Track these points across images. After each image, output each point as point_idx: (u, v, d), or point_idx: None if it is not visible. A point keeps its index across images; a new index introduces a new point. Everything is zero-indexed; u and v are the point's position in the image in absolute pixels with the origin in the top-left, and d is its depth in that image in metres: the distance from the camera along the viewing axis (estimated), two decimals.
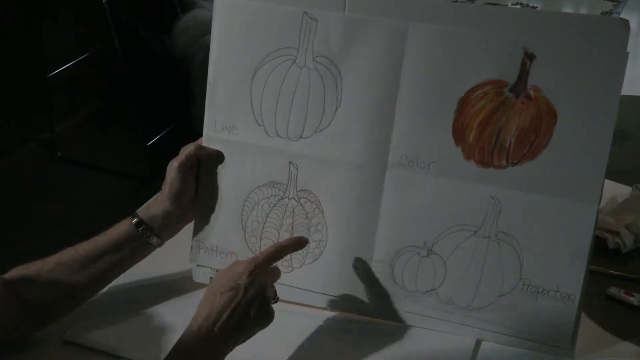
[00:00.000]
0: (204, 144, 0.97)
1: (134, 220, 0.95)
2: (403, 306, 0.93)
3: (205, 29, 2.24)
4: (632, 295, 0.98)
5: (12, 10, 2.45)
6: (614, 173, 0.87)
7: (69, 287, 0.93)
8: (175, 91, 2.33)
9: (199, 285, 1.04)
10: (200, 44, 2.28)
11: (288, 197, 0.96)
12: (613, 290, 0.99)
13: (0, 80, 2.39)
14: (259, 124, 0.95)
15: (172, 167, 0.95)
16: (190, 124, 0.96)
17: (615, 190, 1.13)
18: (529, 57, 0.85)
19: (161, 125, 2.40)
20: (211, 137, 0.97)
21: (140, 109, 2.44)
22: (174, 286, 1.05)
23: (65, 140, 2.67)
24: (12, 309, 0.90)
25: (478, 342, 0.95)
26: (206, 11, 2.35)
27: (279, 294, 0.95)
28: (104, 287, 0.97)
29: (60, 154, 2.67)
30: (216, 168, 0.97)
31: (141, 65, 2.50)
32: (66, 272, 0.92)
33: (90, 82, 2.73)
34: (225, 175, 0.97)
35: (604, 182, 0.86)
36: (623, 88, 0.86)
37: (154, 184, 0.97)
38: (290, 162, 0.95)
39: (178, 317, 0.99)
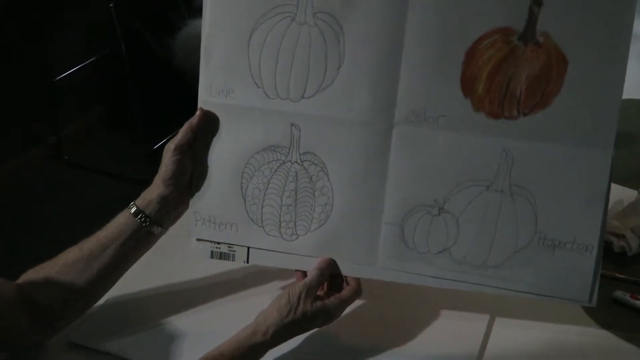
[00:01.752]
0: (199, 110, 0.93)
1: (132, 210, 0.91)
2: (415, 268, 0.90)
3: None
4: (638, 299, 0.97)
5: (19, 14, 2.45)
6: (620, 176, 0.87)
7: (80, 287, 0.90)
8: (181, 95, 2.33)
9: (208, 287, 1.01)
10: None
11: (290, 161, 0.92)
12: (619, 294, 0.98)
13: (7, 84, 2.41)
14: (257, 86, 0.91)
15: (169, 150, 0.91)
16: None
17: (620, 194, 1.12)
18: (537, 3, 0.84)
19: (166, 129, 2.40)
20: (207, 102, 0.93)
21: (146, 113, 2.46)
22: (181, 288, 1.02)
23: (71, 144, 2.69)
24: (26, 315, 0.87)
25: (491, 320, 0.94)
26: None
27: (284, 264, 0.93)
28: (114, 282, 0.94)
29: (66, 157, 2.68)
30: (212, 134, 0.93)
31: (147, 69, 2.52)
32: (74, 272, 0.89)
33: (97, 86, 2.76)
34: (223, 141, 0.93)
35: (617, 126, 0.84)
36: (629, 92, 0.86)
37: None
38: (292, 124, 0.91)
39: (186, 319, 0.97)
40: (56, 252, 0.93)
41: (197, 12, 2.52)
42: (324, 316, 0.88)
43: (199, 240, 0.95)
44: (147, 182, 0.94)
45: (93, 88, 2.76)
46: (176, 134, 0.93)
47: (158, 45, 2.63)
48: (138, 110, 2.49)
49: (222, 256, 0.95)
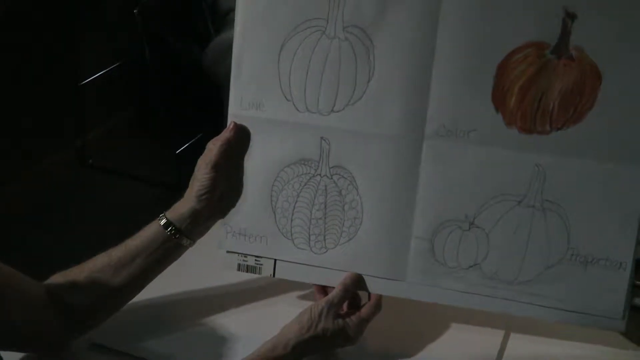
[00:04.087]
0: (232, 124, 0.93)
1: (162, 222, 0.91)
2: (444, 284, 0.89)
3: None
4: None
5: (44, 19, 2.48)
6: None
7: (106, 293, 0.91)
8: (204, 100, 2.35)
9: (232, 294, 1.02)
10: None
11: (320, 175, 0.92)
12: (639, 301, 0.96)
13: (33, 88, 2.43)
14: (287, 100, 0.91)
15: (203, 165, 0.91)
16: (218, 133, 0.93)
17: None
18: (570, 16, 0.83)
19: (190, 134, 2.44)
20: (237, 115, 0.93)
21: (170, 117, 2.48)
22: (205, 295, 1.03)
23: (96, 148, 2.71)
24: (55, 316, 0.88)
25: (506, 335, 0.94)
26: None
27: (309, 278, 0.94)
28: (140, 290, 0.94)
29: (91, 161, 2.70)
30: (245, 148, 0.93)
31: (171, 74, 2.55)
32: (101, 278, 0.90)
33: (121, 90, 2.78)
34: (253, 154, 0.93)
35: None
36: None
37: (182, 191, 0.95)
38: (321, 138, 0.91)
39: (209, 325, 0.97)
40: (82, 255, 0.93)
41: (221, 18, 2.53)
42: (344, 335, 0.88)
43: (228, 252, 0.96)
44: (170, 186, 0.94)
45: (118, 92, 2.79)
46: (200, 139, 0.93)
47: (182, 50, 2.65)
48: (162, 115, 2.52)
49: (249, 269, 0.95)
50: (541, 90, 0.85)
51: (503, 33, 0.85)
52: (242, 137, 0.92)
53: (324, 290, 0.94)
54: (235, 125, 0.92)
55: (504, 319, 0.94)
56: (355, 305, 0.92)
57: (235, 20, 0.93)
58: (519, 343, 0.94)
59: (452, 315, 0.97)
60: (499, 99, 0.86)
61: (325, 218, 0.92)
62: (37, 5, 2.43)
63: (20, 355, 0.91)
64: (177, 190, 0.95)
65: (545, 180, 0.86)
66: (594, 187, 0.85)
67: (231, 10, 2.43)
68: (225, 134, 0.92)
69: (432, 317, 0.96)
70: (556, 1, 0.83)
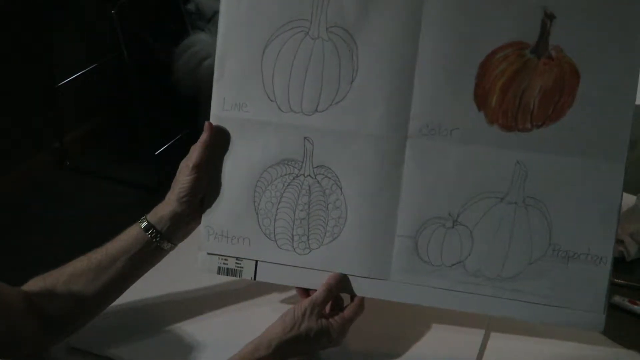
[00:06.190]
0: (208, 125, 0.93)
1: (143, 225, 0.91)
2: (429, 282, 0.90)
3: (206, 53, 2.32)
4: (636, 304, 0.98)
5: (21, 20, 2.46)
6: None
7: (86, 298, 0.90)
8: (183, 101, 2.35)
9: (211, 296, 1.02)
10: (201, 68, 2.31)
11: (304, 175, 0.92)
12: (617, 299, 0.99)
13: (10, 90, 2.41)
14: (271, 100, 0.92)
15: (185, 168, 0.91)
16: (197, 133, 0.93)
17: None
18: (549, 16, 0.84)
19: (168, 135, 2.46)
20: (220, 116, 0.93)
21: (148, 119, 2.48)
22: (183, 297, 1.03)
23: (74, 150, 2.70)
24: (32, 321, 0.87)
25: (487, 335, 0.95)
26: (207, 35, 2.40)
27: (290, 281, 0.94)
28: (120, 294, 0.94)
29: (68, 163, 2.68)
30: (224, 150, 0.93)
31: (149, 75, 2.54)
32: (81, 282, 0.90)
33: (99, 92, 2.76)
34: (236, 155, 0.93)
35: (629, 139, 0.85)
36: None
37: (161, 193, 0.95)
38: (305, 138, 0.91)
39: (187, 327, 0.97)
40: (60, 257, 0.93)
41: (199, 19, 2.53)
42: (327, 335, 0.88)
43: (209, 254, 0.95)
44: (148, 188, 0.94)
45: (95, 94, 2.78)
46: (179, 140, 0.93)
47: (160, 51, 2.64)
48: (140, 116, 2.51)
49: (229, 272, 0.95)
50: (522, 88, 0.86)
51: (484, 33, 0.86)
52: (219, 138, 0.92)
53: (306, 292, 0.94)
54: (210, 125, 0.92)
55: (485, 318, 0.95)
56: (338, 308, 0.92)
57: (219, 22, 0.93)
58: (499, 342, 0.95)
59: (433, 315, 0.97)
60: (480, 97, 0.87)
61: (308, 218, 0.92)
62: (13, 6, 2.41)
63: None
64: (157, 191, 0.95)
65: (527, 177, 0.87)
66: (573, 184, 0.86)
67: (216, 12, 2.44)
68: (202, 136, 0.92)
69: (414, 317, 0.97)
70: (535, 2, 0.84)
